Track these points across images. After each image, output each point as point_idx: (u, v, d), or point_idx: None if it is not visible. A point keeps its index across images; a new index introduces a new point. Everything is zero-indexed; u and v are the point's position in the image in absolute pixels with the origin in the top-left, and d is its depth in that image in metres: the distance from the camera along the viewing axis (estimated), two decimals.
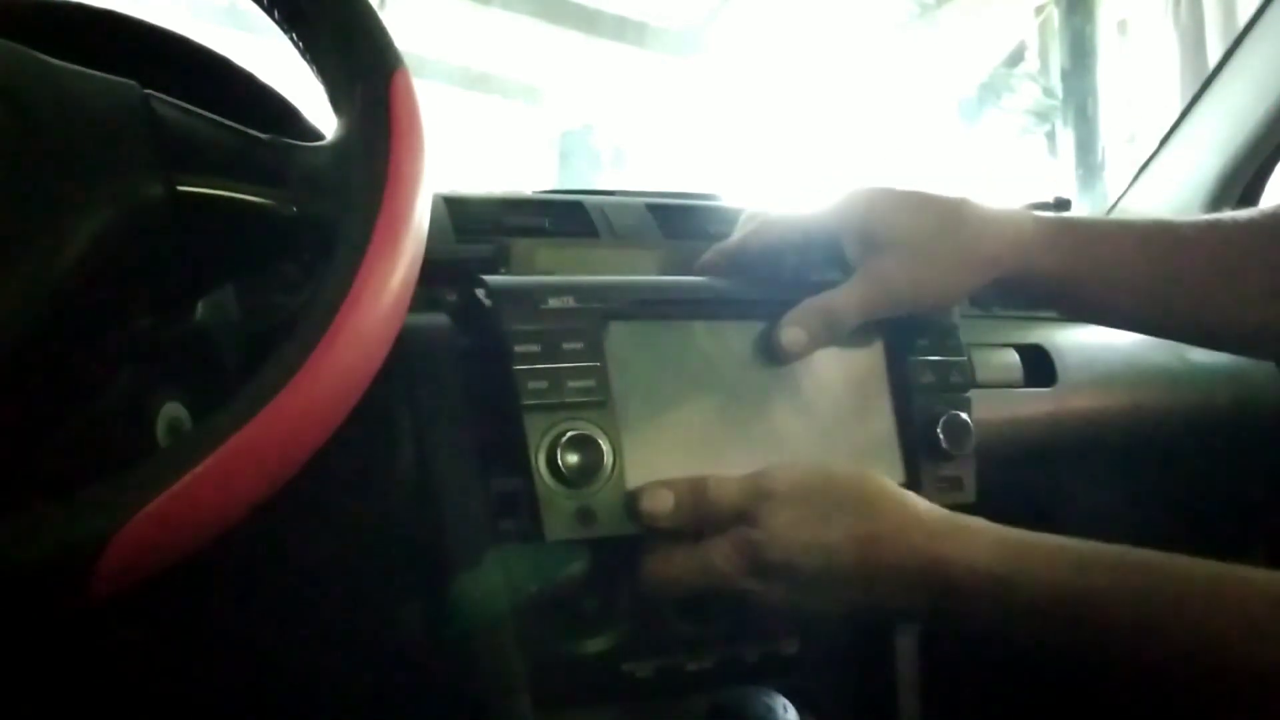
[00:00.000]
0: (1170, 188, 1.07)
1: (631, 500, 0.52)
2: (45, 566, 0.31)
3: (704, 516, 0.51)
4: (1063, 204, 1.07)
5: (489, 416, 0.52)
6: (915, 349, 0.61)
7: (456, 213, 0.63)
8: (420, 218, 0.40)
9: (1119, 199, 1.13)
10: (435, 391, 0.52)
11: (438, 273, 0.57)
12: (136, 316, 0.40)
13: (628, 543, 0.53)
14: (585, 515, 0.51)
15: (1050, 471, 0.77)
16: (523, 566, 0.52)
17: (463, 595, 0.51)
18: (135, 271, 0.38)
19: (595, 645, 0.56)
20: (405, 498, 0.52)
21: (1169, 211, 1.07)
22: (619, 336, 0.54)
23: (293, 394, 0.34)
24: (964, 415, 0.60)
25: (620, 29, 2.17)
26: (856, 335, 0.59)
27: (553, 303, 0.53)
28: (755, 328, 0.58)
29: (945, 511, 0.50)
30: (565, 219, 0.67)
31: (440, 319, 0.55)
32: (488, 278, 0.55)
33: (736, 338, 0.58)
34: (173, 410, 0.44)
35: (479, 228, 0.63)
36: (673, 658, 0.58)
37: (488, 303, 0.53)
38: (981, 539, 0.48)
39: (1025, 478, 0.75)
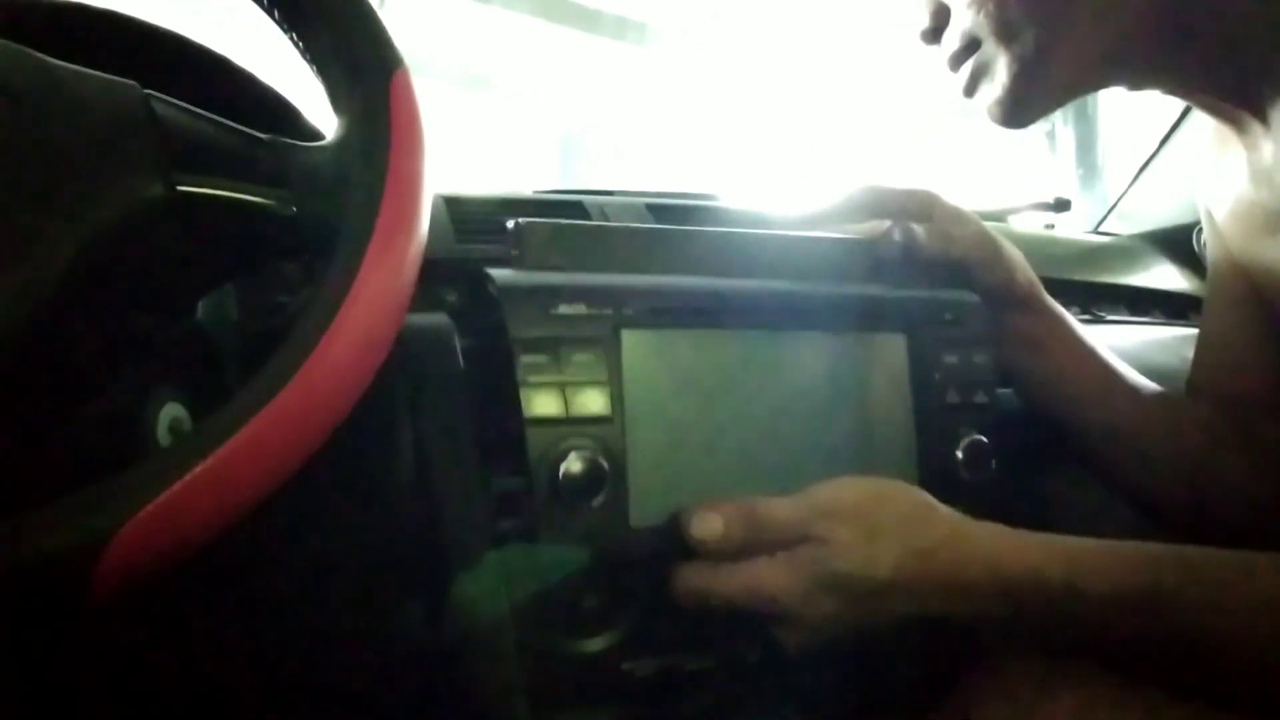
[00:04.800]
0: (1170, 189, 1.07)
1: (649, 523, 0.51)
2: (46, 567, 0.31)
3: (755, 538, 0.51)
4: (1063, 204, 1.08)
5: (489, 416, 0.52)
6: (941, 367, 0.59)
7: (456, 213, 0.63)
8: (420, 218, 0.40)
9: (1119, 199, 1.13)
10: (435, 391, 0.52)
11: (438, 273, 0.56)
12: (136, 316, 0.40)
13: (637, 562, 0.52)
14: (587, 536, 0.50)
15: (1051, 472, 0.77)
16: (523, 566, 0.52)
17: (462, 595, 0.51)
18: (135, 271, 0.38)
19: (595, 645, 0.56)
20: (405, 498, 0.52)
21: (1168, 213, 1.07)
22: (632, 346, 0.52)
23: (292, 394, 0.34)
24: (985, 439, 0.58)
25: (620, 29, 2.16)
26: (883, 350, 0.58)
27: (563, 309, 0.51)
28: (775, 336, 0.56)
29: (992, 525, 0.51)
30: (565, 219, 0.67)
31: (440, 319, 0.55)
32: (495, 272, 0.53)
33: (755, 347, 0.55)
34: (173, 410, 0.44)
35: (479, 228, 0.63)
36: (673, 658, 0.57)
37: (495, 293, 0.51)
38: (1030, 544, 0.50)
39: (1026, 478, 0.74)
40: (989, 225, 0.68)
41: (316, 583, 0.53)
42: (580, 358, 0.51)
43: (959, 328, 0.60)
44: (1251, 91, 0.57)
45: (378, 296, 0.37)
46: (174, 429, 0.44)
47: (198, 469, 0.32)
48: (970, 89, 0.61)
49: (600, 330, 0.51)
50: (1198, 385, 0.70)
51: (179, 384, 0.45)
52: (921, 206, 0.65)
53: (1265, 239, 0.60)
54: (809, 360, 0.57)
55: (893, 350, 0.59)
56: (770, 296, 0.57)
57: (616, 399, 0.51)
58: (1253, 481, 0.64)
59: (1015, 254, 0.67)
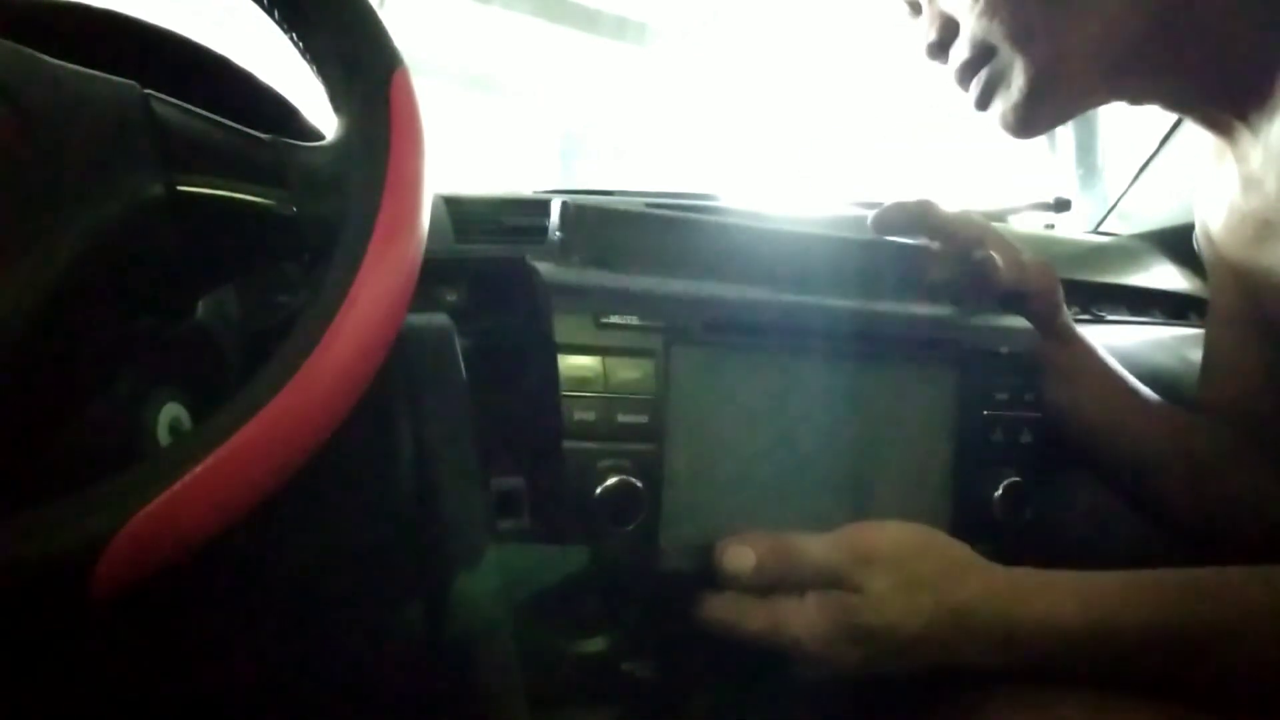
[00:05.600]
0: (1170, 189, 1.07)
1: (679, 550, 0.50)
2: (46, 567, 0.31)
3: (787, 576, 0.50)
4: (1063, 204, 1.07)
5: (490, 415, 0.52)
6: (990, 403, 0.57)
7: (456, 213, 0.63)
8: (420, 217, 0.40)
9: (1119, 199, 1.13)
10: (435, 391, 0.52)
11: (438, 273, 0.56)
12: (136, 316, 0.40)
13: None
14: (612, 558, 0.49)
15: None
16: (523, 566, 0.52)
17: (462, 595, 0.51)
18: (135, 271, 0.38)
19: (595, 645, 0.56)
20: (405, 498, 0.52)
21: (1168, 213, 1.07)
22: (682, 364, 0.49)
23: (292, 394, 0.34)
24: (1024, 481, 0.56)
25: (620, 29, 2.16)
26: (933, 385, 0.56)
27: (614, 319, 0.48)
28: (827, 363, 0.53)
29: (1025, 571, 0.51)
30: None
31: (440, 319, 0.55)
32: (541, 266, 0.49)
33: (805, 373, 0.53)
34: (173, 410, 0.44)
35: (479, 228, 0.63)
36: (672, 657, 0.57)
37: (540, 290, 0.48)
38: (1062, 593, 0.49)
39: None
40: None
41: (316, 582, 0.53)
42: (627, 373, 0.48)
43: (1013, 361, 0.59)
44: (1241, 101, 0.57)
45: (378, 296, 0.37)
46: (174, 429, 0.44)
47: (198, 469, 0.32)
48: (984, 100, 0.60)
49: (652, 344, 0.48)
50: (1206, 402, 0.70)
51: (179, 384, 0.45)
52: (976, 233, 0.66)
53: (1256, 247, 0.61)
54: (857, 391, 0.54)
55: (944, 385, 0.57)
56: (831, 314, 0.54)
57: (660, 419, 0.48)
58: (1267, 497, 0.64)
59: (1059, 285, 0.68)
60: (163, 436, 0.43)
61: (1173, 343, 0.86)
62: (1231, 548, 0.63)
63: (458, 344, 0.53)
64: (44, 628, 0.34)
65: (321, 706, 0.55)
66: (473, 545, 0.51)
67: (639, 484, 0.47)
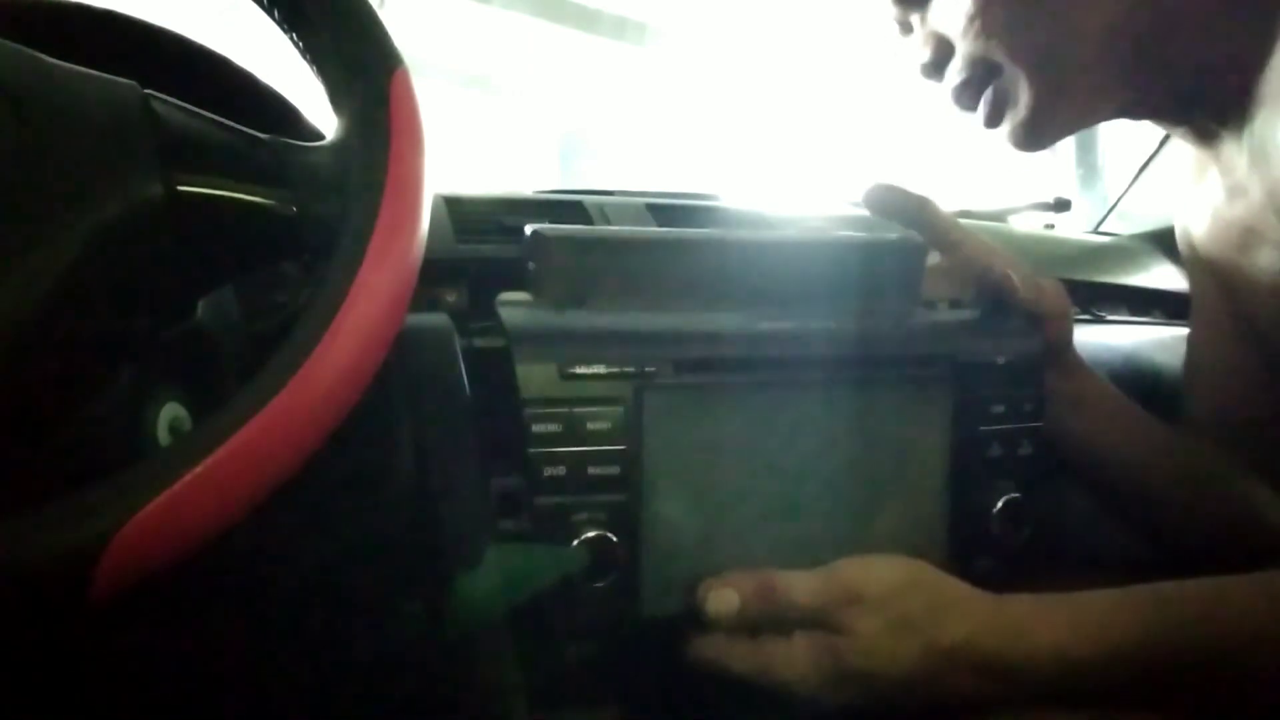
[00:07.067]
0: (1171, 189, 1.07)
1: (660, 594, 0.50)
2: (45, 567, 0.31)
3: (773, 616, 0.50)
4: (1063, 204, 1.08)
5: (490, 416, 0.52)
6: (988, 417, 0.55)
7: (456, 213, 0.63)
8: (420, 218, 0.40)
9: (1119, 199, 1.13)
10: (435, 391, 0.52)
11: (438, 273, 0.56)
12: (136, 316, 0.40)
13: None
14: (591, 607, 0.49)
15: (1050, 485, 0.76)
16: (523, 567, 0.52)
17: (462, 595, 0.51)
18: (135, 271, 0.38)
19: (594, 646, 0.55)
20: (405, 498, 0.52)
21: (1168, 213, 1.07)
22: (653, 410, 0.48)
23: (292, 394, 0.34)
24: (1024, 497, 0.55)
25: (620, 29, 2.16)
26: (925, 404, 0.54)
27: (580, 369, 0.47)
28: (810, 391, 0.52)
29: (1018, 600, 0.50)
30: (565, 219, 0.67)
31: (440, 319, 0.54)
32: (505, 310, 0.49)
33: (786, 404, 0.51)
34: (173, 410, 0.44)
35: (479, 228, 0.63)
36: (672, 659, 0.57)
37: (505, 338, 0.47)
38: (1058, 620, 0.48)
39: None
40: (989, 226, 0.68)
41: (316, 582, 0.53)
42: (596, 424, 0.47)
43: (1010, 370, 0.57)
44: (1226, 109, 0.58)
45: (378, 296, 0.37)
46: (174, 429, 0.44)
47: (198, 469, 0.32)
48: (994, 118, 0.60)
49: (620, 391, 0.48)
50: (1191, 409, 0.70)
51: (179, 384, 0.45)
52: (982, 246, 0.64)
53: (1240, 254, 0.60)
54: (844, 416, 0.53)
55: (938, 403, 0.54)
56: (812, 339, 0.52)
57: (634, 468, 0.48)
58: (1259, 505, 0.64)
59: (1071, 310, 0.67)
60: (163, 436, 0.43)
61: (1173, 343, 0.86)
62: (1229, 557, 0.63)
63: (458, 344, 0.53)
64: (44, 628, 0.34)
65: (322, 706, 0.55)
66: (473, 545, 0.51)
67: (613, 537, 0.47)
